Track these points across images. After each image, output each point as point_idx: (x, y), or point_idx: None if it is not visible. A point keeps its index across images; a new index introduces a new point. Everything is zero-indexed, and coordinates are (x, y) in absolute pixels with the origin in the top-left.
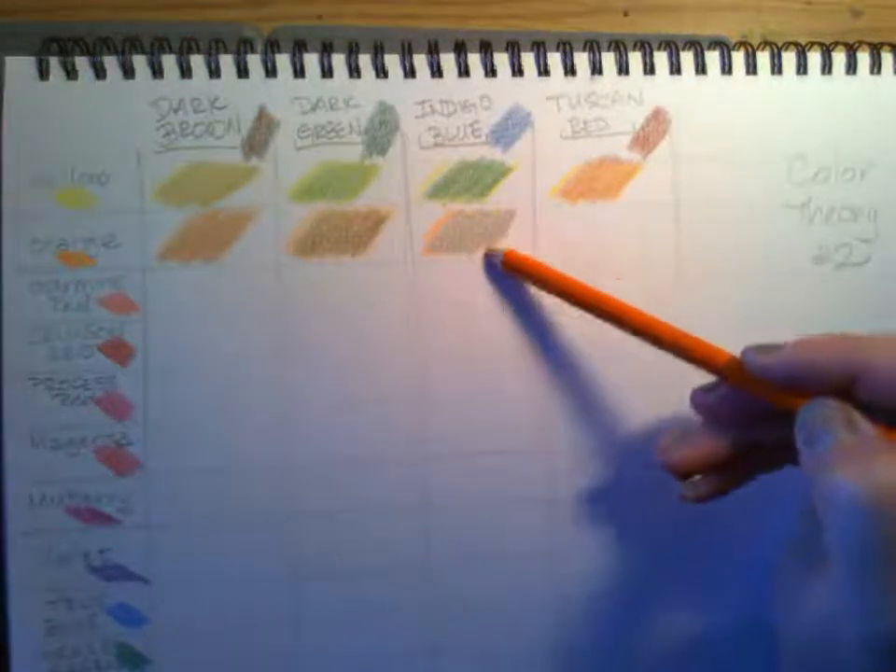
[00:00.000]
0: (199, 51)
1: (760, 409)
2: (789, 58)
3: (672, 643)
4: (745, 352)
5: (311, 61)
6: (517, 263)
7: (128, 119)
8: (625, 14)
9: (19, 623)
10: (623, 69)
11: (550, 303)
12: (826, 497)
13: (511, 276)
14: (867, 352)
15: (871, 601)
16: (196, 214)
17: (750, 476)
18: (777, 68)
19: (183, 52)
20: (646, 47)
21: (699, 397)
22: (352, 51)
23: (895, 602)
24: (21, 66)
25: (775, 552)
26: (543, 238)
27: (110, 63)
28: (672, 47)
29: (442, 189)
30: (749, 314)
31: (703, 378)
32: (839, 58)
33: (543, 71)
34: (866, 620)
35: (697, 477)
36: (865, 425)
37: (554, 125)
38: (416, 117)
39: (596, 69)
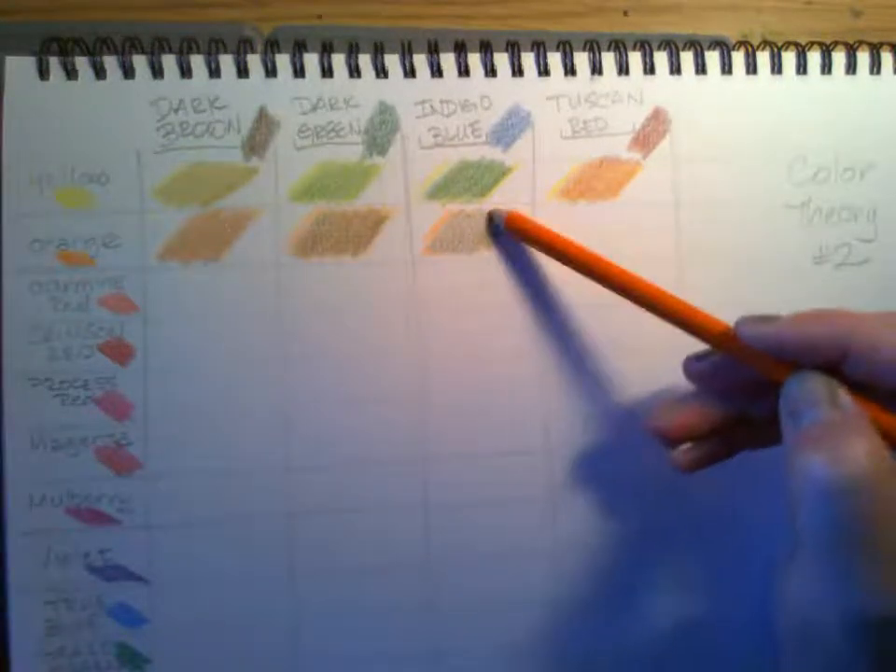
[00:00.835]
0: (199, 51)
1: (751, 380)
2: (789, 58)
3: (672, 642)
4: (739, 321)
5: (311, 61)
6: (519, 224)
7: (128, 119)
8: (625, 14)
9: (19, 623)
10: (623, 69)
11: (549, 302)
12: (798, 476)
13: (512, 237)
14: (858, 328)
15: (841, 583)
16: (196, 214)
17: (739, 449)
18: (776, 68)
19: (183, 52)
20: (646, 47)
21: (692, 364)
22: (352, 51)
23: (865, 583)
24: (21, 66)
25: (778, 545)
26: None
27: (110, 63)
28: (672, 47)
29: (442, 189)
30: (749, 313)
31: None
32: (839, 58)
33: (543, 71)
34: (839, 601)
35: (687, 445)
36: (847, 400)
37: (554, 125)
38: (416, 117)
39: (596, 69)
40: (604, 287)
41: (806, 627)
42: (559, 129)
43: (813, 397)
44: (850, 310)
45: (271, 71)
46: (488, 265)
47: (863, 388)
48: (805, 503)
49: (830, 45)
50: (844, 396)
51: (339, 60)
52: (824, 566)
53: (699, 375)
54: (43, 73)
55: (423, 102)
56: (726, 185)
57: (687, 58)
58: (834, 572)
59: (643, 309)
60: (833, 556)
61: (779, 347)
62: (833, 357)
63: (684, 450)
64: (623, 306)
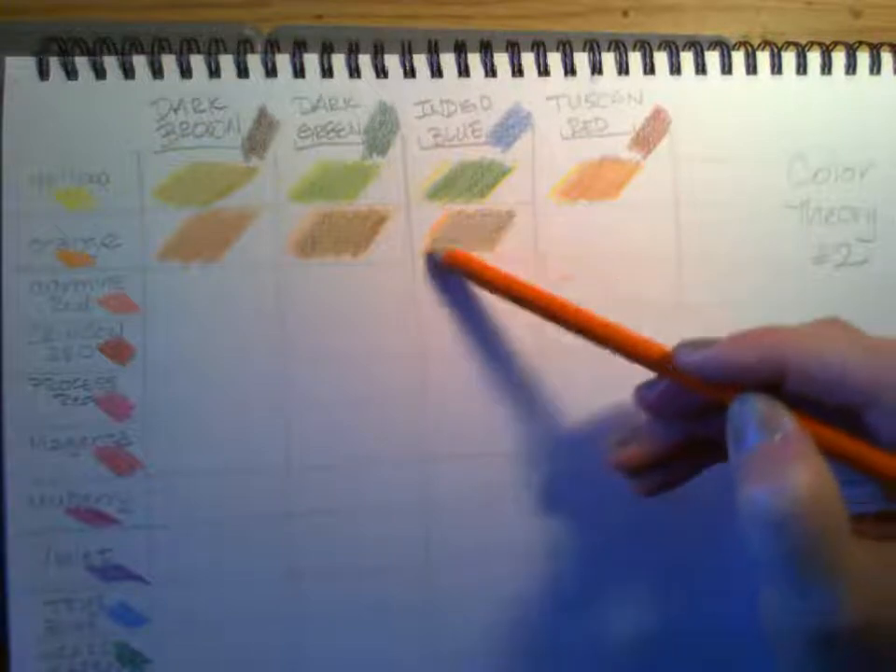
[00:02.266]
0: (199, 51)
1: (703, 402)
2: (788, 58)
3: (672, 640)
4: (677, 348)
5: (311, 61)
6: (457, 260)
7: (128, 119)
8: (625, 14)
9: (19, 623)
10: (623, 69)
11: None
12: (744, 507)
13: (451, 273)
14: (790, 346)
15: (797, 602)
16: (196, 214)
17: (703, 467)
18: (776, 68)
19: (183, 52)
20: (646, 47)
21: (642, 393)
22: (352, 51)
23: (819, 601)
24: (21, 66)
25: None
26: (543, 238)
27: (110, 63)
28: (672, 47)
29: (442, 190)
30: (749, 313)
31: None
32: (839, 58)
33: (543, 71)
34: (798, 619)
35: (647, 472)
36: (788, 422)
37: (554, 125)
38: (416, 117)
39: (596, 69)
40: (545, 320)
41: (778, 638)
42: (559, 129)
43: (753, 420)
44: (781, 325)
45: (271, 71)
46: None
47: (808, 404)
48: (753, 532)
49: (830, 45)
50: (784, 417)
51: (339, 60)
52: (779, 587)
53: (650, 404)
54: (43, 73)
55: (423, 102)
56: (726, 185)
57: (687, 58)
58: (789, 592)
59: (586, 340)
60: (786, 579)
61: (714, 372)
62: (771, 377)
63: (646, 477)
64: None
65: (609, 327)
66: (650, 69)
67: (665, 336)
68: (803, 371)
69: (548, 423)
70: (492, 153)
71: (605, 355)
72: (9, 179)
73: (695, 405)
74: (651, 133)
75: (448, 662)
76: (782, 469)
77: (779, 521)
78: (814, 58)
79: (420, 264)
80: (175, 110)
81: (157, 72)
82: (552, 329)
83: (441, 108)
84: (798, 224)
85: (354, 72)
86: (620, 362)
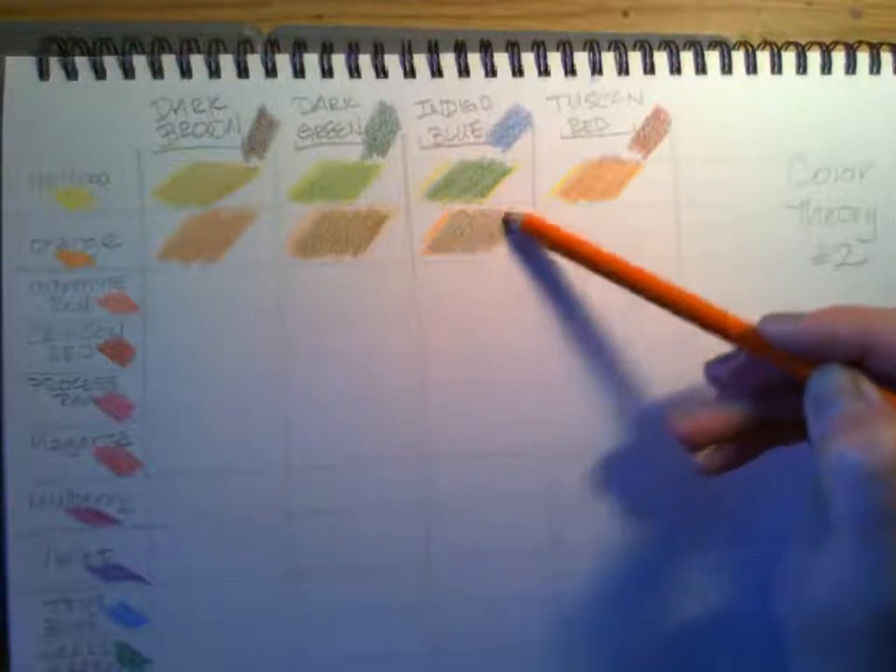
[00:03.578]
0: (199, 51)
1: (774, 380)
2: (789, 58)
3: (672, 641)
4: (763, 320)
5: (311, 61)
6: (535, 227)
7: (128, 119)
8: (625, 14)
9: (19, 623)
10: (623, 69)
11: (551, 302)
12: (831, 466)
13: (527, 238)
14: (881, 323)
15: (877, 571)
16: (196, 214)
17: (764, 449)
18: (776, 68)
19: (183, 52)
20: (646, 47)
21: (714, 368)
22: (352, 51)
23: None
24: (21, 66)
25: (779, 545)
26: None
27: (110, 63)
28: (672, 47)
29: (443, 189)
30: (749, 313)
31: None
32: (839, 58)
33: (543, 71)
34: (872, 590)
35: (710, 449)
36: (872, 392)
37: (554, 125)
38: (416, 117)
39: (596, 69)
40: (626, 288)
41: (831, 616)
42: (559, 129)
43: (838, 389)
44: (871, 306)
45: (271, 71)
46: (488, 265)
47: (887, 383)
48: (841, 491)
49: (830, 45)
50: (868, 387)
51: (339, 60)
52: (860, 551)
53: (721, 379)
54: (43, 73)
55: (423, 102)
56: (726, 185)
57: (687, 58)
58: (873, 556)
59: (665, 310)
60: (872, 541)
61: (803, 345)
62: (857, 353)
63: (708, 454)
64: (628, 307)
65: (695, 298)
66: (650, 69)
67: (666, 336)
68: (891, 348)
69: (548, 423)
70: (492, 153)
71: (604, 355)
72: (9, 179)
73: (768, 383)
74: (651, 133)
75: (448, 662)
76: (875, 426)
77: (873, 475)
78: (814, 58)
79: (420, 264)
80: (175, 110)
81: (157, 72)
82: (553, 328)
83: (442, 108)
84: (798, 224)
85: (354, 72)
86: (625, 358)
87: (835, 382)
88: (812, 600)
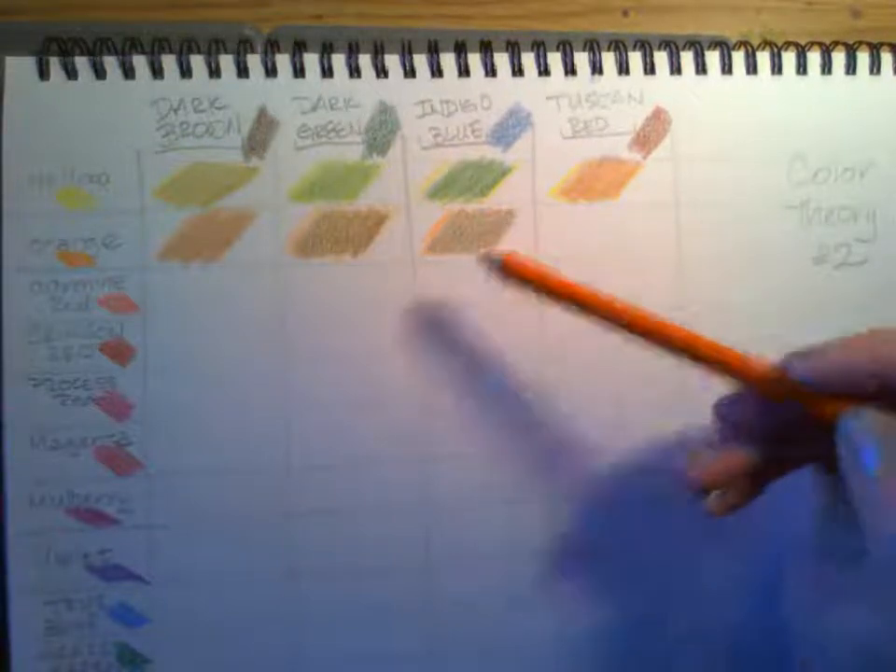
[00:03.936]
0: (199, 51)
1: (790, 420)
2: (789, 58)
3: (673, 643)
4: (787, 359)
5: (311, 61)
6: (517, 270)
7: (128, 119)
8: (625, 14)
9: (19, 623)
10: (623, 69)
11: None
12: (881, 528)
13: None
14: None
15: None
16: (196, 214)
17: (768, 483)
18: (776, 68)
19: (183, 52)
20: (646, 47)
21: (725, 408)
22: (352, 51)
23: None
24: (21, 66)
25: (779, 557)
26: (543, 238)
27: (110, 63)
28: (672, 47)
29: (443, 189)
30: (749, 313)
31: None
32: (839, 58)
33: (543, 71)
34: None
35: (718, 491)
36: None
37: (555, 125)
38: (417, 117)
39: (596, 69)
40: (632, 335)
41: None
42: (559, 129)
43: (873, 438)
44: (884, 329)
45: (271, 71)
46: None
47: None
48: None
49: (830, 45)
50: None
51: (339, 60)
52: None
53: (734, 420)
54: (43, 73)
55: (423, 102)
56: (726, 185)
57: (687, 58)
58: None
59: (673, 355)
60: None
61: (831, 381)
62: (886, 384)
63: (718, 496)
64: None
65: (706, 343)
66: (650, 69)
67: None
68: None
69: (548, 421)
70: (492, 153)
71: (603, 356)
72: (9, 179)
73: (783, 422)
74: (651, 133)
75: (448, 662)
76: None
77: None
78: (814, 58)
79: (420, 264)
80: (175, 110)
81: (157, 72)
82: (554, 328)
83: (442, 108)
84: (798, 224)
85: (354, 72)
86: (616, 359)
87: (868, 428)
88: (853, 644)
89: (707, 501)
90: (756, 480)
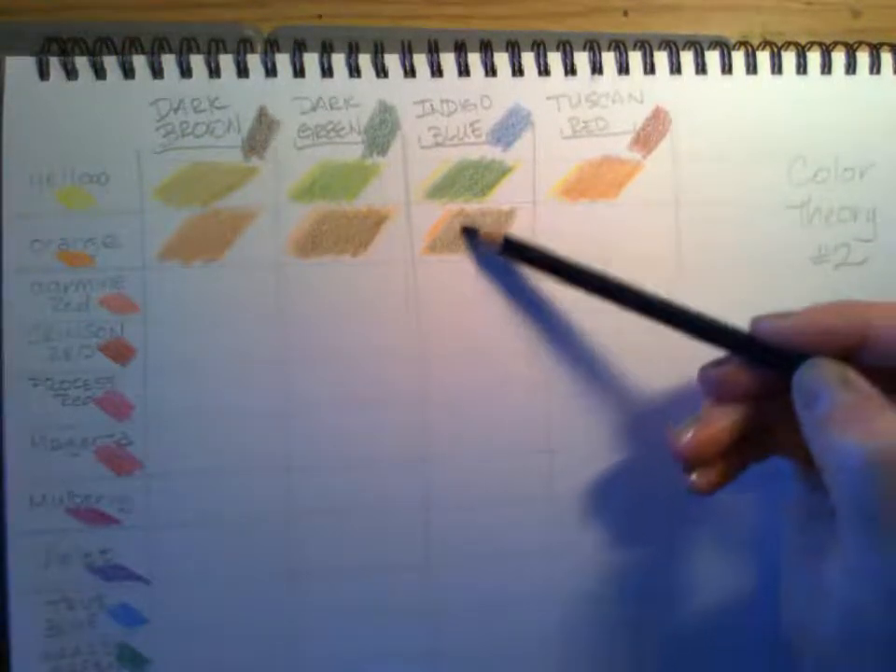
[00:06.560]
0: (199, 51)
1: (768, 383)
2: (789, 58)
3: (673, 641)
4: (755, 319)
5: (311, 61)
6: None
7: (128, 119)
8: (625, 14)
9: (19, 623)
10: (623, 69)
11: (550, 302)
12: (831, 459)
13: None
14: (872, 315)
15: (889, 558)
16: (196, 214)
17: (750, 462)
18: (776, 68)
19: (183, 52)
20: (646, 46)
21: (708, 372)
22: (352, 51)
23: None
24: (21, 66)
25: (776, 546)
26: (543, 238)
27: (110, 63)
28: (672, 46)
29: (443, 189)
30: (749, 313)
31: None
32: (839, 58)
33: (543, 71)
34: (887, 577)
35: (701, 469)
36: (861, 383)
37: (555, 125)
38: (417, 116)
39: (596, 69)
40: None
41: (857, 613)
42: (559, 128)
43: (830, 381)
44: (863, 300)
45: (271, 71)
46: (488, 265)
47: (880, 376)
48: (844, 482)
49: (830, 45)
50: (856, 378)
51: (339, 60)
52: (872, 538)
53: (716, 383)
54: (43, 73)
55: (423, 101)
56: (726, 185)
57: (687, 58)
58: (886, 544)
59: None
60: (881, 528)
61: (795, 339)
62: (848, 347)
63: (700, 473)
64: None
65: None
66: (650, 69)
67: (665, 335)
68: (884, 339)
69: (549, 422)
70: (492, 152)
71: (608, 351)
72: (9, 179)
73: (761, 386)
74: (651, 133)
75: (448, 662)
76: (871, 415)
77: (875, 461)
78: (814, 58)
79: (420, 264)
80: (175, 110)
81: (157, 72)
82: (554, 328)
83: (442, 108)
84: (798, 224)
85: (354, 72)
86: (616, 360)
87: (821, 373)
88: (836, 603)
89: (691, 479)
90: (739, 454)
